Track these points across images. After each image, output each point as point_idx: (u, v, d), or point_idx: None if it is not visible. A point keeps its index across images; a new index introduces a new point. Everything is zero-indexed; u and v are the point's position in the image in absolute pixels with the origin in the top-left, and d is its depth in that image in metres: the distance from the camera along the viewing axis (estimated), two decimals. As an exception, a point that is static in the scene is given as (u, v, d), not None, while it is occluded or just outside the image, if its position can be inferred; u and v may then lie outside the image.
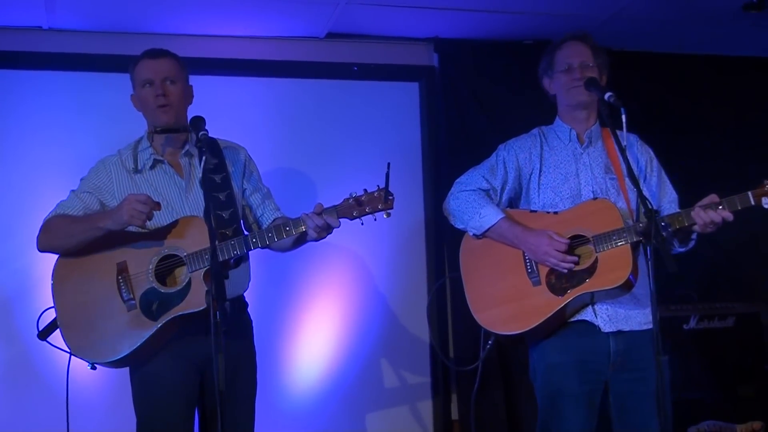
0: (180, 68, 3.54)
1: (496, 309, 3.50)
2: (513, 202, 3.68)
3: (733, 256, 5.37)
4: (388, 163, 3.23)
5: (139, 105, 3.56)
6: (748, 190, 3.23)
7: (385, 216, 3.30)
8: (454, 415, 5.15)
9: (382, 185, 3.28)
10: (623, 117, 3.32)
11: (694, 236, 3.46)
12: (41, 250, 3.51)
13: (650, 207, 3.17)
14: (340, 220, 3.31)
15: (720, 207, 3.24)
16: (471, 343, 4.82)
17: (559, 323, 3.44)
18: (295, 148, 5.09)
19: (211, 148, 3.54)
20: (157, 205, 3.29)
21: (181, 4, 4.64)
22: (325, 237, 3.36)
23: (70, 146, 4.75)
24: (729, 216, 3.23)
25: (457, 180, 3.71)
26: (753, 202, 3.22)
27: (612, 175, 3.54)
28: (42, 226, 3.50)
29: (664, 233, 3.19)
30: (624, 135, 3.37)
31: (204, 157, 3.20)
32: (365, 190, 3.31)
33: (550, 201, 3.56)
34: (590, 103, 3.57)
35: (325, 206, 3.31)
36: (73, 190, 3.56)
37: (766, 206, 3.20)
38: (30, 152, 4.78)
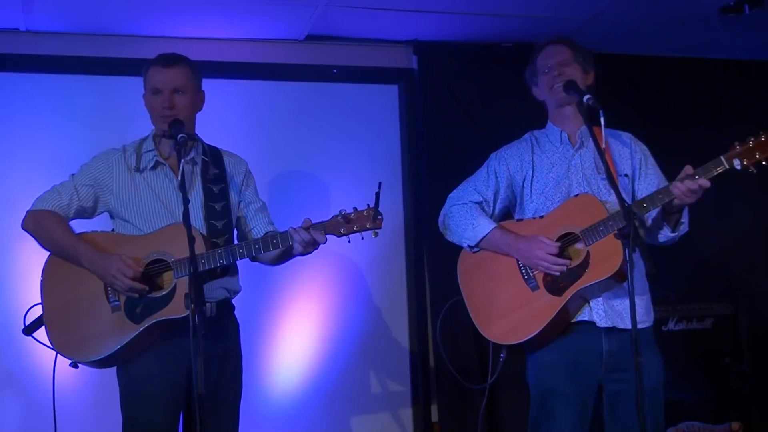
0: (192, 76, 3.53)
1: (500, 321, 3.52)
2: (509, 211, 3.71)
3: (712, 257, 5.40)
4: (379, 183, 3.25)
5: (148, 107, 3.56)
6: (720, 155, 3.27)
7: (373, 235, 3.33)
8: (434, 418, 5.15)
9: (369, 197, 3.30)
10: (602, 119, 3.34)
11: (684, 219, 3.46)
12: (23, 228, 3.51)
13: (626, 205, 3.17)
14: (327, 236, 3.33)
15: (696, 177, 3.26)
16: (456, 359, 4.86)
17: (564, 324, 3.45)
18: (273, 151, 5.08)
19: (213, 158, 3.58)
20: (142, 288, 3.31)
21: (159, 6, 4.62)
22: (311, 252, 3.38)
23: (48, 148, 4.73)
24: (706, 183, 3.25)
25: (450, 195, 3.75)
26: (726, 165, 3.25)
27: (604, 176, 3.54)
28: (35, 211, 3.49)
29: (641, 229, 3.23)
30: (603, 138, 3.38)
31: (182, 160, 3.23)
32: (355, 208, 3.34)
33: (541, 206, 3.58)
34: (573, 99, 3.57)
35: (312, 221, 3.33)
36: (73, 175, 3.55)
37: (738, 168, 3.23)
38: (8, 155, 4.76)
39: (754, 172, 3.24)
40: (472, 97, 5.29)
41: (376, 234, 3.32)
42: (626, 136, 3.65)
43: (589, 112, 3.40)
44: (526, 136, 3.74)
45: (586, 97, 3.39)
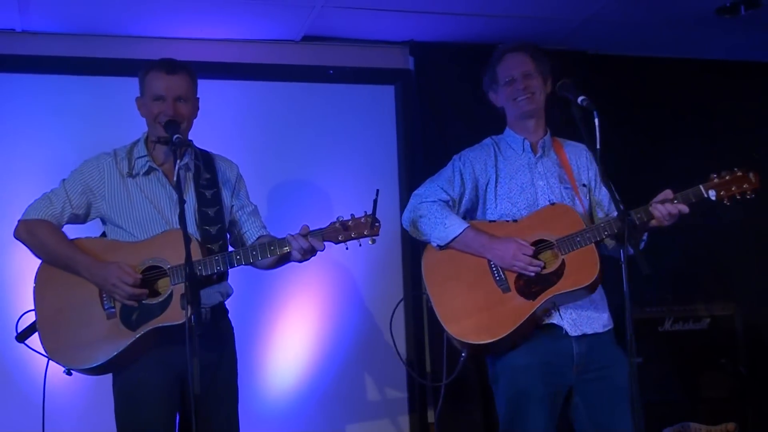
0: (192, 84, 3.52)
1: (468, 320, 3.49)
2: (468, 213, 3.69)
3: (708, 258, 5.41)
4: (377, 190, 3.24)
5: (144, 112, 3.52)
6: (699, 184, 3.37)
7: (370, 242, 3.32)
8: (431, 418, 5.15)
9: (365, 198, 3.28)
10: (596, 120, 3.34)
11: (644, 237, 3.52)
12: (16, 237, 3.49)
13: (622, 208, 3.19)
14: (325, 243, 3.32)
15: (675, 201, 3.35)
16: (448, 357, 4.86)
17: (531, 328, 3.45)
18: (270, 151, 5.08)
19: (205, 163, 3.56)
20: (142, 294, 3.30)
21: (155, 7, 4.62)
22: (308, 259, 3.36)
23: (44, 149, 4.73)
24: (685, 209, 3.34)
25: (415, 192, 3.71)
26: (705, 195, 3.35)
27: (567, 185, 3.60)
28: (27, 221, 3.45)
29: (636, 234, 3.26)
30: (598, 139, 3.37)
31: (178, 161, 3.24)
32: (352, 215, 3.33)
33: (507, 211, 3.58)
34: (536, 111, 3.62)
35: (310, 227, 3.32)
36: (64, 180, 3.51)
37: (712, 198, 3.33)
38: (4, 155, 4.75)
39: (728, 204, 3.35)
40: (469, 97, 5.27)
41: (374, 241, 3.32)
42: (582, 147, 3.68)
43: (583, 113, 3.40)
44: (487, 141, 3.75)
45: (581, 98, 3.38)
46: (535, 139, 3.65)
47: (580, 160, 3.66)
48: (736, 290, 5.40)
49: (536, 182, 3.59)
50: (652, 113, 5.48)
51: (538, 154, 3.63)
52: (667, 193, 3.37)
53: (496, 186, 3.61)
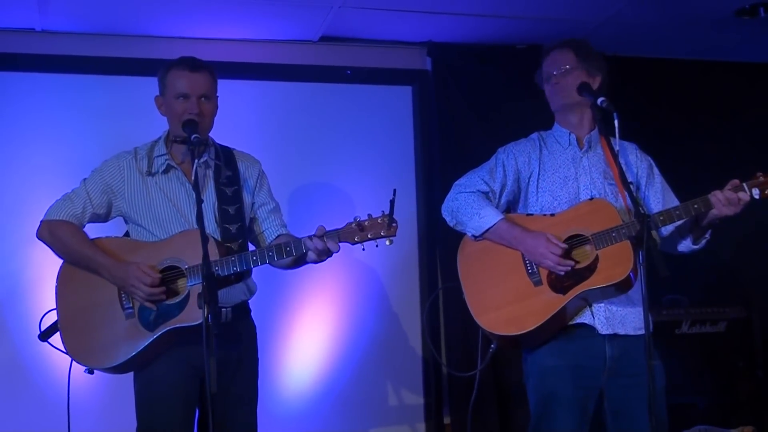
0: (214, 82, 3.51)
1: (497, 311, 3.46)
2: (511, 206, 3.68)
3: (726, 260, 5.38)
4: (394, 190, 3.19)
5: (165, 110, 3.51)
6: (743, 182, 3.29)
7: (387, 243, 3.29)
8: (446, 420, 5.15)
9: (382, 198, 3.26)
10: (615, 121, 3.33)
11: (707, 234, 3.46)
12: (38, 238, 3.50)
13: (642, 211, 3.18)
14: (341, 244, 3.29)
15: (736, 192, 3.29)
16: (464, 354, 4.86)
17: (559, 325, 3.42)
18: (287, 151, 5.08)
19: (226, 160, 3.56)
20: (161, 293, 3.30)
21: (174, 7, 4.64)
22: (324, 260, 3.34)
23: (63, 148, 4.76)
24: (745, 196, 3.28)
25: (456, 182, 3.69)
26: (747, 192, 3.27)
27: (611, 181, 3.53)
28: (49, 221, 3.47)
29: (658, 239, 3.22)
30: (617, 141, 3.37)
31: (196, 161, 3.23)
32: (369, 215, 3.29)
33: (548, 204, 3.55)
34: (574, 105, 3.56)
35: (326, 227, 3.29)
36: (84, 180, 3.52)
37: (756, 196, 3.26)
38: (23, 154, 4.78)
39: None
40: (486, 98, 5.29)
41: (391, 242, 3.27)
42: (631, 146, 3.65)
43: (603, 114, 3.40)
44: (533, 135, 3.72)
45: (600, 100, 3.38)
46: (581, 133, 3.60)
47: (628, 158, 3.60)
48: (754, 293, 5.37)
49: (579, 177, 3.55)
50: (670, 115, 5.46)
51: (584, 149, 3.59)
52: (734, 182, 3.31)
53: (538, 179, 3.58)
